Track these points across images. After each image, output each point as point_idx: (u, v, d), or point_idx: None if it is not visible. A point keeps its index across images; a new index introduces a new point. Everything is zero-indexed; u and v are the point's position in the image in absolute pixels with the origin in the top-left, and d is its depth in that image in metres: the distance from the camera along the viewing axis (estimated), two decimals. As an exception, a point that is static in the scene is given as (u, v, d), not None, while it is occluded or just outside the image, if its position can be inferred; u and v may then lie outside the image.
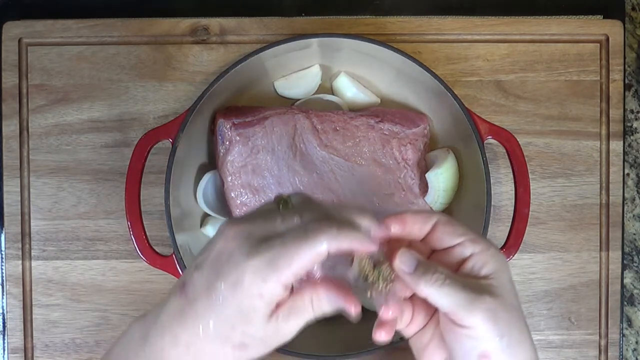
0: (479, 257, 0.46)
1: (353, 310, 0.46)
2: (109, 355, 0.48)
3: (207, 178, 0.67)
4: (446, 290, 0.44)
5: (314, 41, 0.64)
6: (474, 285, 0.45)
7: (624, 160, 0.70)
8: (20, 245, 0.68)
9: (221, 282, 0.42)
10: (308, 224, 0.43)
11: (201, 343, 0.44)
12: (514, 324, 0.45)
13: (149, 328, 0.45)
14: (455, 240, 0.46)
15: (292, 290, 0.45)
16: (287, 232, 0.43)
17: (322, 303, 0.45)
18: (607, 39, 0.69)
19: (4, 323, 0.69)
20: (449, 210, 0.68)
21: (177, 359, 0.44)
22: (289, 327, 0.44)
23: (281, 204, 0.46)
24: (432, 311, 0.49)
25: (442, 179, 0.66)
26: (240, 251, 0.42)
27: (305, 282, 0.46)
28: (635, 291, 0.72)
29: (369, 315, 0.67)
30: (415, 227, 0.47)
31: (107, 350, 0.48)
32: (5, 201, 0.68)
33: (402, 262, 0.46)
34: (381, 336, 0.48)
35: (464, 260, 0.47)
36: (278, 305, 0.44)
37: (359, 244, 0.44)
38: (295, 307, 0.44)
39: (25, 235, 0.68)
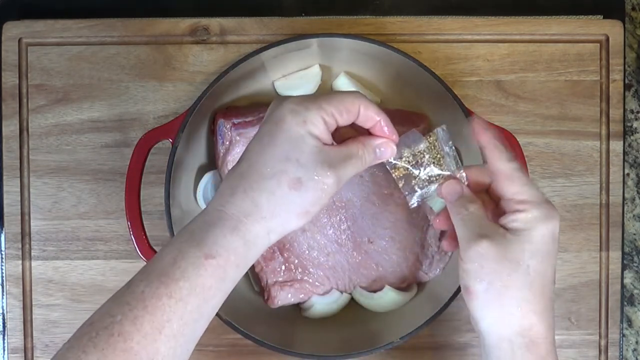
0: (517, 215, 0.49)
1: (392, 148, 0.51)
2: (175, 236, 0.49)
3: (207, 178, 0.67)
4: (462, 224, 0.49)
5: (314, 41, 0.64)
6: (489, 228, 0.48)
7: (624, 160, 0.70)
8: (20, 245, 0.68)
9: (267, 125, 0.48)
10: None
11: (258, 184, 0.46)
12: (500, 277, 0.47)
13: (208, 207, 0.49)
14: (510, 196, 0.49)
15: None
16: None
17: (368, 150, 0.50)
18: (607, 39, 0.69)
19: (4, 323, 0.69)
20: (449, 210, 0.68)
21: (236, 208, 0.47)
22: (344, 171, 0.48)
23: None
24: None
25: (442, 179, 0.66)
26: (284, 99, 0.48)
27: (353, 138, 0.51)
28: (635, 291, 0.72)
29: (369, 315, 0.68)
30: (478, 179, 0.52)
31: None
32: (5, 201, 0.68)
33: (448, 191, 0.52)
34: (449, 246, 0.55)
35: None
36: (325, 144, 0.48)
37: (385, 121, 0.50)
38: (349, 153, 0.49)
39: (25, 235, 0.68)
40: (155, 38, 0.69)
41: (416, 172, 0.53)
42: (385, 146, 0.51)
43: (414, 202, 0.54)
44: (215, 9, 0.71)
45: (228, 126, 0.64)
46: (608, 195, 0.69)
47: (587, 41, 0.70)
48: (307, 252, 0.65)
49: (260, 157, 0.47)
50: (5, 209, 0.68)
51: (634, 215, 0.73)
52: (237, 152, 0.64)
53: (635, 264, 0.72)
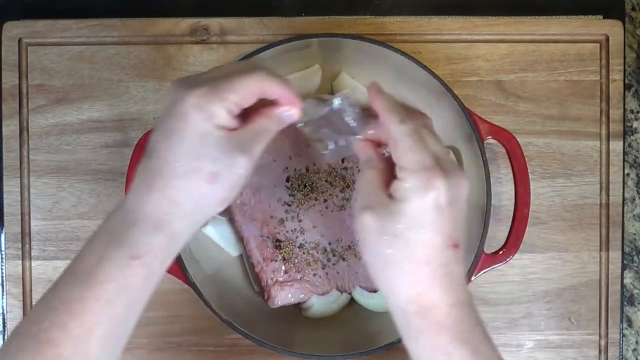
0: (396, 184, 0.47)
1: (295, 111, 0.50)
2: (93, 236, 0.48)
3: (207, 178, 0.67)
4: (358, 191, 0.49)
5: (314, 41, 0.64)
6: (376, 198, 0.47)
7: (624, 160, 0.70)
8: (20, 245, 0.68)
9: (172, 120, 0.46)
10: (245, 65, 0.49)
11: (174, 184, 0.46)
12: (381, 251, 0.46)
13: (125, 198, 0.48)
14: (395, 162, 0.47)
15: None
16: (227, 71, 0.47)
17: (273, 120, 0.49)
18: (607, 39, 0.69)
19: (4, 323, 0.69)
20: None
21: (155, 207, 0.46)
22: (255, 149, 0.48)
23: None
24: None
25: (442, 179, 0.66)
26: (184, 89, 0.46)
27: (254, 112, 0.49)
28: (635, 291, 0.72)
29: (369, 315, 0.68)
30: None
31: (91, 236, 0.49)
32: (5, 201, 0.68)
33: (358, 151, 0.51)
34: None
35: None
36: (232, 130, 0.47)
37: (288, 92, 0.49)
38: (256, 130, 0.48)
39: (25, 235, 0.68)
40: (155, 38, 0.69)
41: (322, 136, 0.52)
42: (288, 111, 0.50)
43: (326, 153, 0.53)
44: (215, 9, 0.71)
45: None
46: (608, 195, 0.69)
47: (587, 41, 0.70)
48: (306, 252, 0.65)
49: (170, 155, 0.46)
50: (5, 209, 0.68)
51: (634, 215, 0.73)
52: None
53: (635, 264, 0.72)
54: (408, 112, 0.49)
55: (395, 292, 0.47)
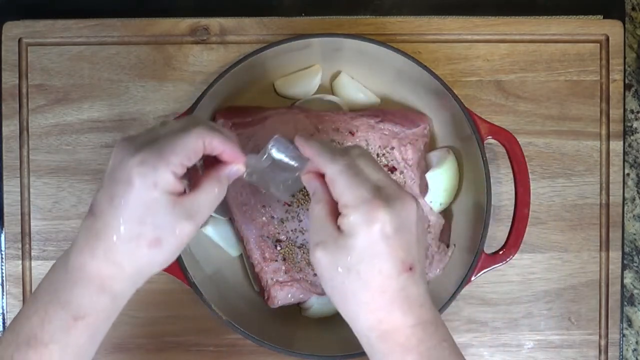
0: (341, 220, 0.47)
1: (239, 167, 0.51)
2: (38, 290, 0.48)
3: (207, 178, 0.67)
4: (310, 227, 0.50)
5: (314, 41, 0.64)
6: (326, 234, 0.48)
7: (624, 160, 0.70)
8: (20, 245, 0.68)
9: (117, 185, 0.46)
10: (186, 122, 0.49)
11: (117, 248, 0.46)
12: (336, 284, 0.47)
13: (68, 253, 0.48)
14: (337, 199, 0.48)
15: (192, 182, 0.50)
16: (168, 130, 0.48)
17: (220, 181, 0.50)
18: (607, 39, 0.69)
19: (4, 323, 0.69)
20: (449, 210, 0.68)
21: (98, 270, 0.46)
22: (202, 215, 0.48)
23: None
24: None
25: (442, 179, 0.66)
26: (129, 153, 0.46)
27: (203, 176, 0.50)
28: (635, 291, 0.72)
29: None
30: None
31: (36, 288, 0.49)
32: (5, 201, 0.68)
33: (306, 185, 0.52)
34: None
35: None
36: (180, 194, 0.47)
37: (229, 148, 0.49)
38: (204, 196, 0.49)
39: (25, 235, 0.68)
40: (155, 38, 0.69)
41: (270, 180, 0.53)
42: (233, 168, 0.51)
43: (278, 194, 0.54)
44: (215, 9, 0.71)
45: (228, 126, 0.64)
46: (608, 195, 0.69)
47: (587, 41, 0.70)
48: (307, 252, 0.65)
49: (114, 219, 0.46)
50: (5, 209, 0.68)
51: (634, 215, 0.73)
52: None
53: (635, 264, 0.72)
54: (343, 147, 0.51)
55: (356, 320, 0.48)
